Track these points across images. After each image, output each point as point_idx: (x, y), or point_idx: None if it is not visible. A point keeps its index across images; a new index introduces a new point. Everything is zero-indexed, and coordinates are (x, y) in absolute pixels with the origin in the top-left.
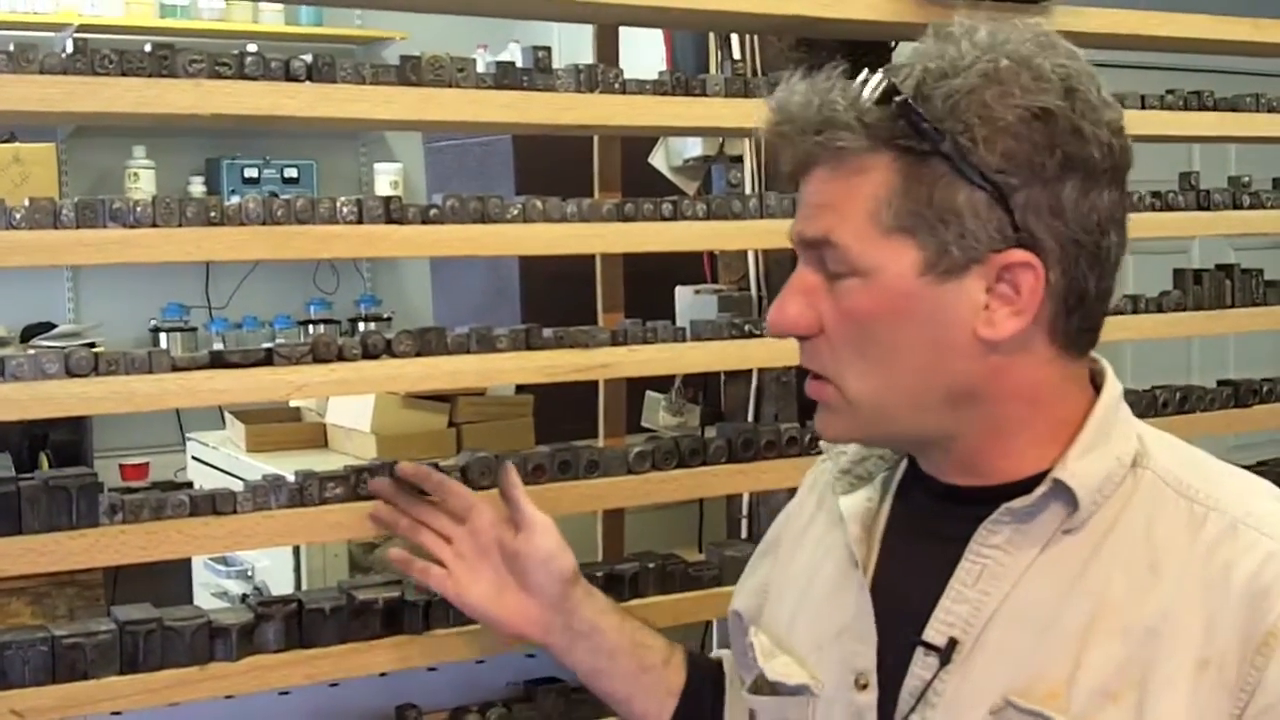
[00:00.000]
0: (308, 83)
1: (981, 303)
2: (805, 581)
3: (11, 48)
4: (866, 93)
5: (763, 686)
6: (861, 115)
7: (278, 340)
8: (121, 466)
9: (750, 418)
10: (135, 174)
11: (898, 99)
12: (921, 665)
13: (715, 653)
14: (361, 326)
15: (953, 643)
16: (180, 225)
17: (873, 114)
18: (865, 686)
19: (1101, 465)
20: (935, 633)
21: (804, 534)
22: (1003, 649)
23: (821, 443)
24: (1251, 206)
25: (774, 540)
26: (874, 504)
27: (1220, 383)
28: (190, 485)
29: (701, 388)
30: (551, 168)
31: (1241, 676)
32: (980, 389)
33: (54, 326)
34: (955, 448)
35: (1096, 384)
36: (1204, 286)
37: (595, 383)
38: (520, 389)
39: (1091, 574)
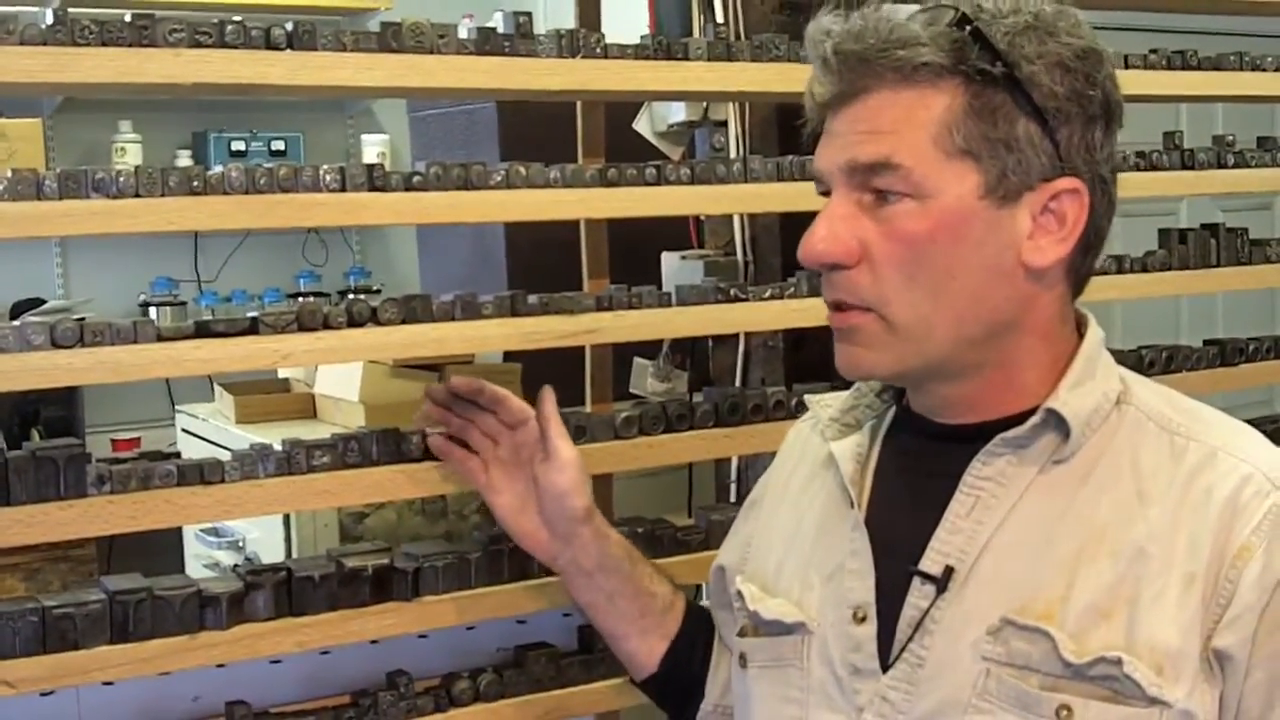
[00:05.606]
0: (288, 51)
1: (1027, 231)
2: (791, 531)
3: None
4: (941, 18)
5: (755, 629)
6: (937, 37)
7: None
8: (113, 441)
9: (738, 383)
10: (122, 148)
11: (971, 26)
12: (918, 595)
13: (707, 602)
14: (350, 299)
15: (949, 571)
16: (163, 195)
17: (948, 36)
18: (864, 619)
19: (1090, 398)
20: (931, 563)
21: (785, 490)
22: (997, 575)
23: (807, 398)
24: (1237, 166)
25: (754, 501)
26: (864, 448)
27: (1207, 342)
28: (178, 456)
29: (689, 354)
30: (536, 135)
31: (1218, 589)
32: (1014, 319)
33: (43, 302)
34: (968, 381)
35: (1080, 332)
36: (1189, 246)
37: (582, 350)
38: (508, 356)
39: (1081, 502)
